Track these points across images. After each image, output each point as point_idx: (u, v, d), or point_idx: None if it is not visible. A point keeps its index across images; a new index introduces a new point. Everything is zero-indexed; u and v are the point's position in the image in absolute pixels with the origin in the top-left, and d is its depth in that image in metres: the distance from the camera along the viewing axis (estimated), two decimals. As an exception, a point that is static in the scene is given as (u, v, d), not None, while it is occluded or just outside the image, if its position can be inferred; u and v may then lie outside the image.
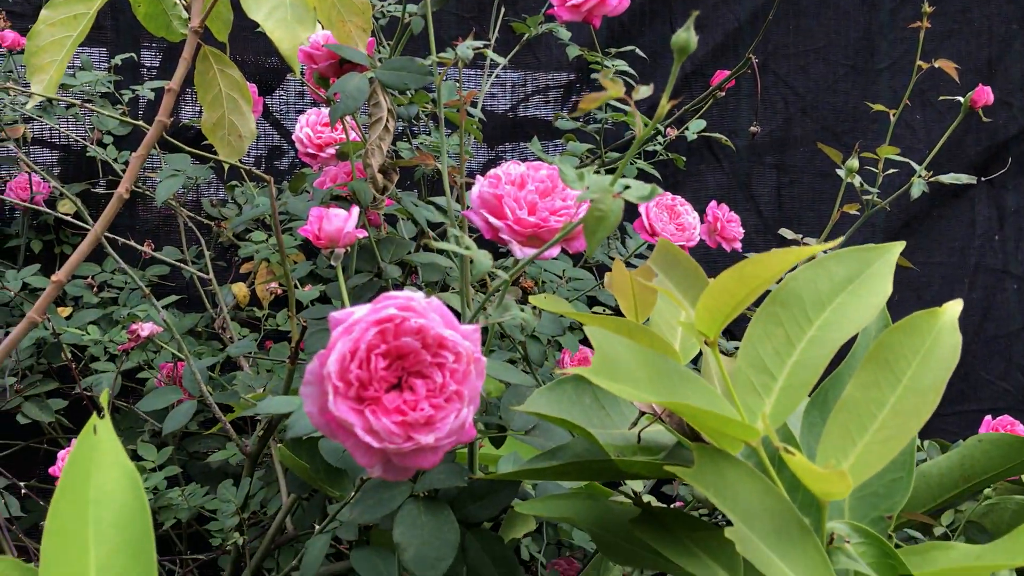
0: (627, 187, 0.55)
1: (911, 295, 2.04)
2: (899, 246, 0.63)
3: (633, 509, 0.71)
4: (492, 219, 0.74)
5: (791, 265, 0.53)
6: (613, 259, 1.55)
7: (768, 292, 0.62)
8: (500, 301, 0.80)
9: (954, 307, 0.59)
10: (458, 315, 0.73)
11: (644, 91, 0.51)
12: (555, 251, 0.74)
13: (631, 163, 1.46)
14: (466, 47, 0.78)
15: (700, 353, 0.75)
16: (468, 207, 0.98)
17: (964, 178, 1.20)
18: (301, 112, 2.03)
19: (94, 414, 0.54)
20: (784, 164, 2.05)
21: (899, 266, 0.67)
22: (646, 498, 0.85)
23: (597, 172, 0.60)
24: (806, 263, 0.60)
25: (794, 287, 0.59)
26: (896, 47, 2.02)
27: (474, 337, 0.55)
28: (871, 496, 0.63)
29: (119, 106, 1.69)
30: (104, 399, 0.52)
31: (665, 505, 0.80)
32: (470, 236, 1.01)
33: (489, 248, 0.73)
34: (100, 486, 0.52)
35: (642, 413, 0.70)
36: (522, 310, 0.66)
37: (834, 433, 0.54)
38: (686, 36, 0.50)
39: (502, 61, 0.80)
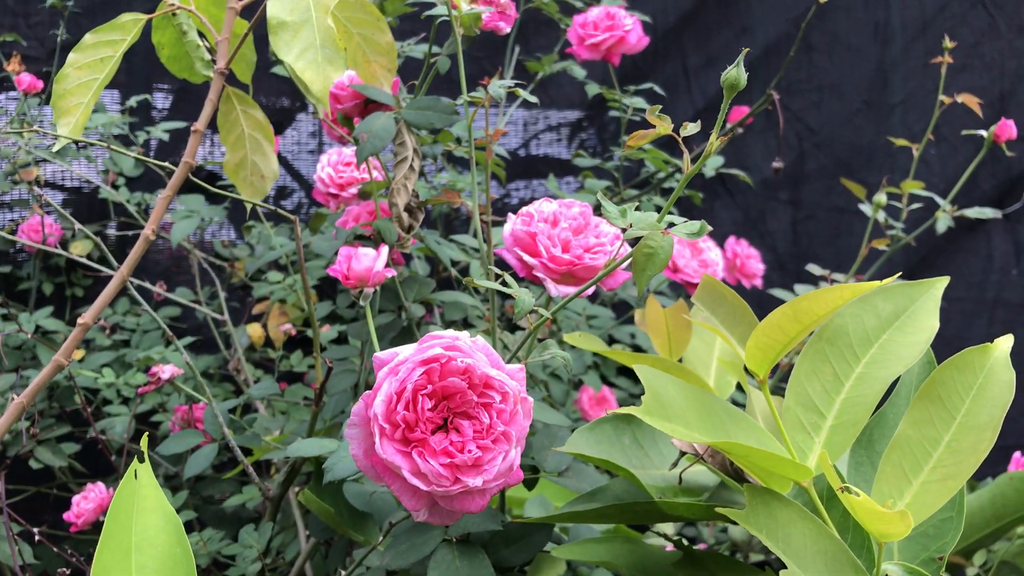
0: (673, 224, 0.54)
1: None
2: (943, 281, 0.62)
3: (674, 553, 0.70)
4: (526, 257, 0.73)
5: (845, 301, 0.52)
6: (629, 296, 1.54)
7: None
8: (531, 339, 0.79)
9: (1005, 343, 0.58)
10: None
11: (692, 128, 0.50)
12: (591, 289, 0.73)
13: (648, 200, 1.45)
14: (498, 85, 0.78)
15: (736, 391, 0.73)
16: (495, 245, 0.97)
17: (989, 212, 1.19)
18: (312, 152, 2.03)
19: (135, 459, 0.53)
20: (799, 200, 2.05)
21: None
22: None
23: (637, 209, 0.59)
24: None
25: (840, 323, 0.58)
26: (909, 82, 2.03)
27: (520, 376, 0.54)
28: (921, 536, 0.62)
29: (134, 147, 1.70)
30: (144, 444, 0.51)
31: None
32: (495, 275, 1.00)
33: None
34: (142, 531, 0.51)
35: (682, 453, 0.69)
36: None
37: (888, 472, 0.53)
38: (736, 73, 0.50)
39: (531, 99, 0.80)
